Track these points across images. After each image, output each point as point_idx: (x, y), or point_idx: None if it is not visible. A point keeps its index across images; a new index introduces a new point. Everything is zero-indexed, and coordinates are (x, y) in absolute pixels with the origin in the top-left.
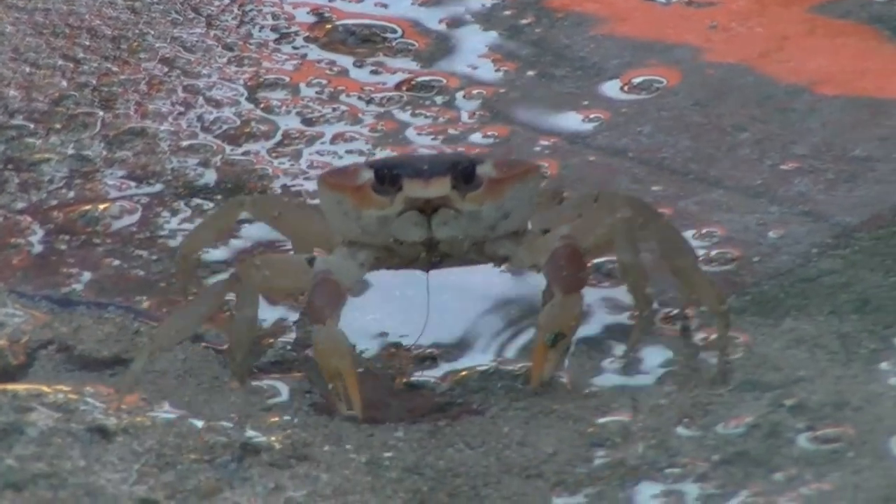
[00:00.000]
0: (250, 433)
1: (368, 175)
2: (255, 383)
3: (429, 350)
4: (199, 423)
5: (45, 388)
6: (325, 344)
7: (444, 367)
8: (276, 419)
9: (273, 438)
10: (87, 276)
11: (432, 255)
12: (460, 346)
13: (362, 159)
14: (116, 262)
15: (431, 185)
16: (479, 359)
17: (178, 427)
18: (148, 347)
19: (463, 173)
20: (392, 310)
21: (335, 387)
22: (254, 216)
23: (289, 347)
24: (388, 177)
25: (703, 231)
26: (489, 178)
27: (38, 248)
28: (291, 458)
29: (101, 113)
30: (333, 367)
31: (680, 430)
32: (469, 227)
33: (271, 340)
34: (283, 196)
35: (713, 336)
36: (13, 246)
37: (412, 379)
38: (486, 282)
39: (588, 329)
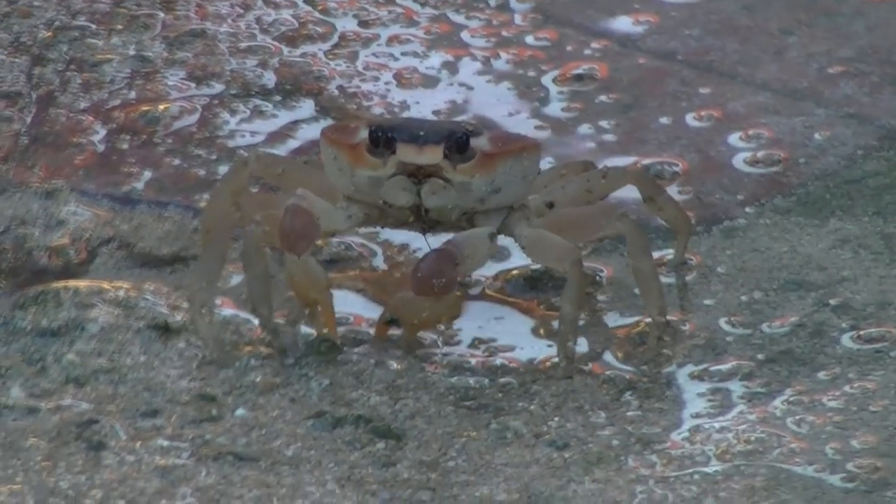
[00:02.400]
0: (306, 330)
1: (365, 134)
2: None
3: None
4: (257, 321)
5: (105, 285)
6: (302, 275)
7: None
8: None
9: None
10: (147, 174)
11: (422, 221)
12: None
13: (417, 62)
14: (176, 162)
15: (424, 152)
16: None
17: (235, 324)
18: (194, 312)
19: (457, 143)
20: None
21: (311, 312)
22: (258, 174)
23: (343, 247)
24: (382, 139)
25: (750, 133)
26: (483, 150)
27: (99, 148)
28: (347, 351)
29: (161, 14)
30: (311, 297)
31: (726, 328)
32: (458, 197)
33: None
34: (285, 155)
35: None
36: (75, 145)
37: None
38: None
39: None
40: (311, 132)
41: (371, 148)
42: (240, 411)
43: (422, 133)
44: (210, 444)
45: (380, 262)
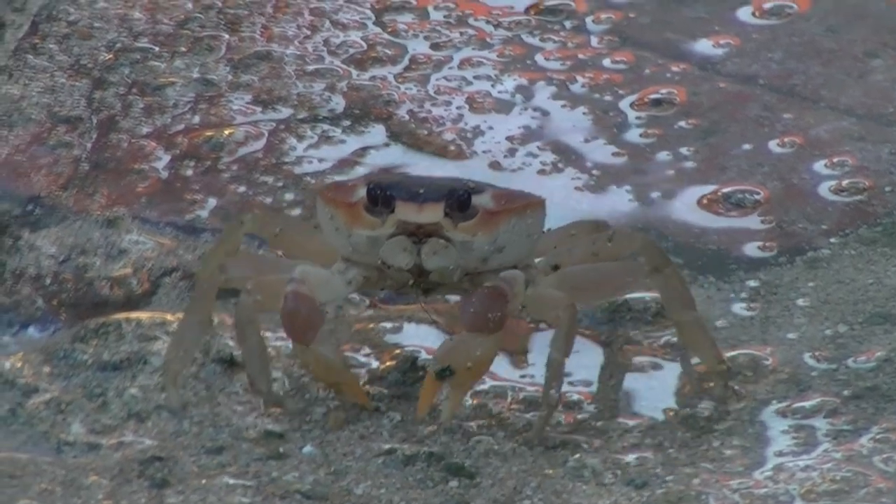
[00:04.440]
0: (375, 363)
1: (362, 193)
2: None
3: None
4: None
5: (168, 317)
6: (316, 364)
7: None
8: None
9: (390, 364)
10: (211, 202)
11: (422, 283)
12: None
13: (488, 85)
14: (241, 189)
15: (424, 211)
16: None
17: None
18: (167, 379)
19: (458, 201)
20: None
21: (338, 393)
22: (255, 233)
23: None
24: (380, 197)
25: (835, 160)
26: (485, 208)
27: (162, 174)
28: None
29: (226, 36)
30: (332, 382)
31: (810, 363)
32: (460, 257)
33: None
34: (283, 213)
35: (713, 387)
36: (137, 171)
37: None
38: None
39: (716, 259)
40: (380, 158)
41: (369, 207)
42: (307, 448)
43: (421, 191)
44: (277, 483)
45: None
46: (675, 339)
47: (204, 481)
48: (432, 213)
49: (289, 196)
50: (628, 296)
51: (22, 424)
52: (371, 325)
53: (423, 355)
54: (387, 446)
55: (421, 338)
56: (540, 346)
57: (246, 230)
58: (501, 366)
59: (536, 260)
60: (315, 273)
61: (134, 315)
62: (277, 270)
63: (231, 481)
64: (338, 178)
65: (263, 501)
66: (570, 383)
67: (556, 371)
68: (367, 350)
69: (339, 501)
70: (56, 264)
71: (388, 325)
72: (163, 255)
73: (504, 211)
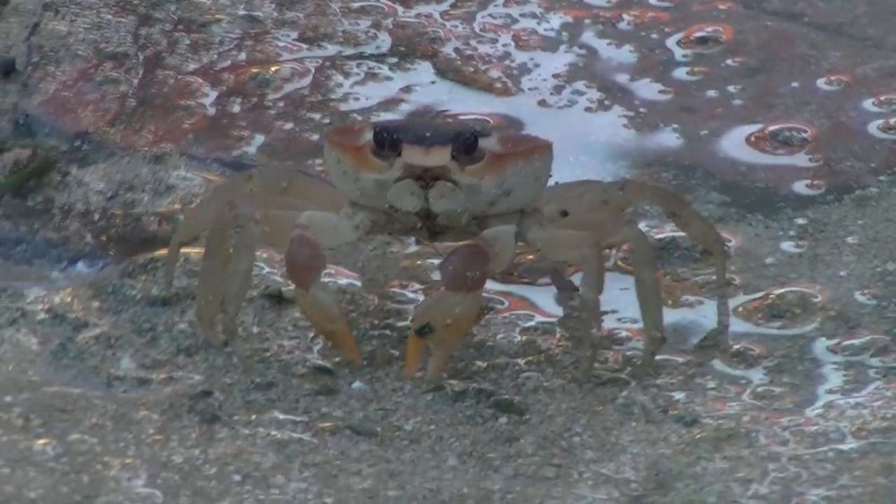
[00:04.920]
0: (417, 299)
1: (369, 136)
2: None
3: None
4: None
5: None
6: (313, 310)
7: None
8: None
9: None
10: (258, 138)
11: (430, 227)
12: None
13: (534, 22)
14: (288, 125)
15: (431, 154)
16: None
17: (351, 293)
18: (202, 325)
19: (464, 145)
20: (566, 176)
21: (331, 342)
22: (262, 188)
23: None
24: (387, 141)
25: (882, 98)
26: (492, 151)
27: (209, 111)
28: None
29: None
30: (326, 329)
31: (860, 300)
32: (467, 201)
33: None
34: (288, 167)
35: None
36: (184, 108)
37: None
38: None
39: (763, 197)
40: (426, 96)
41: (376, 150)
42: (357, 384)
43: (428, 134)
44: (327, 418)
45: None
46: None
47: (253, 416)
48: (439, 156)
49: None
50: (675, 233)
51: (72, 359)
52: (419, 262)
53: None
54: (435, 383)
55: None
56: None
57: (253, 185)
58: (549, 302)
59: (546, 206)
60: (322, 218)
61: (182, 251)
62: (286, 210)
63: (280, 416)
64: (385, 115)
65: (313, 437)
66: (619, 320)
67: (592, 310)
68: (415, 286)
69: (388, 437)
70: (104, 200)
71: (436, 261)
72: (210, 190)
73: (511, 154)
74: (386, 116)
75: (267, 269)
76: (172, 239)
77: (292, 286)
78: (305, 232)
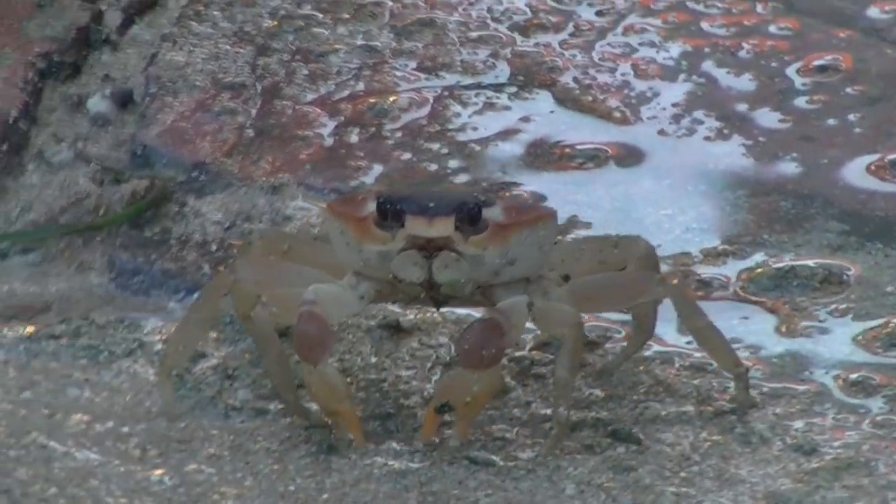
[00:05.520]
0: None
1: (372, 207)
2: None
3: (721, 247)
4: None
5: None
6: (319, 387)
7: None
8: None
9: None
10: (376, 168)
11: (434, 296)
12: (753, 244)
13: (653, 51)
14: (406, 155)
15: (434, 225)
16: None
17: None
18: (162, 372)
19: (468, 215)
20: (685, 206)
21: (335, 422)
22: (263, 251)
23: None
24: (390, 211)
25: None
26: (495, 222)
27: (327, 141)
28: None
29: (389, 2)
30: (331, 409)
31: None
32: (471, 271)
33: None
34: (289, 231)
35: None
36: (301, 138)
37: (703, 276)
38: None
39: (883, 226)
40: (544, 126)
41: (379, 221)
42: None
43: (431, 205)
44: (444, 448)
45: None
46: (842, 305)
47: (371, 447)
48: (443, 227)
49: (453, 163)
50: (794, 262)
51: (189, 390)
52: None
53: (590, 321)
54: (551, 411)
55: None
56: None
57: (256, 249)
58: (668, 332)
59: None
60: (328, 291)
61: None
62: (287, 278)
63: (398, 446)
64: (501, 144)
65: (430, 467)
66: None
67: (564, 388)
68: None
69: (506, 466)
70: (221, 230)
71: None
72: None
73: (515, 224)
74: (504, 147)
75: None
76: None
77: (301, 362)
78: (314, 308)
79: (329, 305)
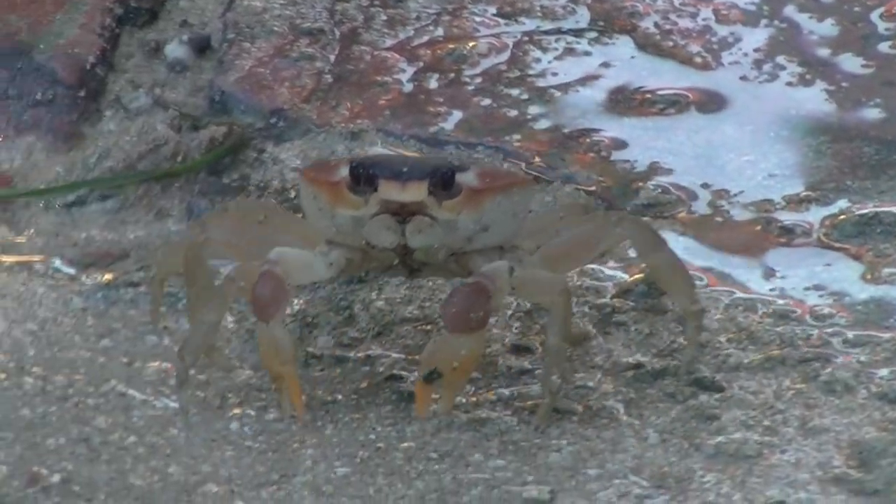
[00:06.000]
0: (622, 276)
1: (345, 172)
2: None
3: (804, 193)
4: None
5: None
6: (268, 346)
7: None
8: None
9: (637, 276)
10: (455, 114)
11: (408, 263)
12: (836, 191)
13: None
14: (485, 101)
15: (407, 189)
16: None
17: None
18: (182, 368)
19: (442, 179)
20: (767, 152)
21: (278, 387)
22: (238, 219)
23: (660, 190)
24: (363, 176)
25: None
26: (469, 186)
27: (405, 87)
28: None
29: None
30: (276, 370)
31: None
32: (445, 236)
33: (640, 184)
34: (265, 200)
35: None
36: (381, 84)
37: (786, 222)
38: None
39: None
40: (625, 71)
41: (352, 186)
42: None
43: (405, 169)
44: (526, 396)
45: (701, 207)
46: None
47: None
48: (416, 192)
49: (533, 109)
50: (878, 208)
51: None
52: None
53: None
54: (634, 360)
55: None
56: (801, 260)
57: (230, 216)
58: (752, 279)
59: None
60: (294, 254)
61: None
62: (257, 244)
63: (479, 395)
64: (582, 90)
65: (512, 415)
66: (821, 296)
67: (556, 356)
68: (613, 263)
69: (588, 415)
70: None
71: None
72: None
73: (489, 189)
74: (585, 92)
75: None
76: (152, 279)
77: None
78: (274, 268)
79: (292, 268)
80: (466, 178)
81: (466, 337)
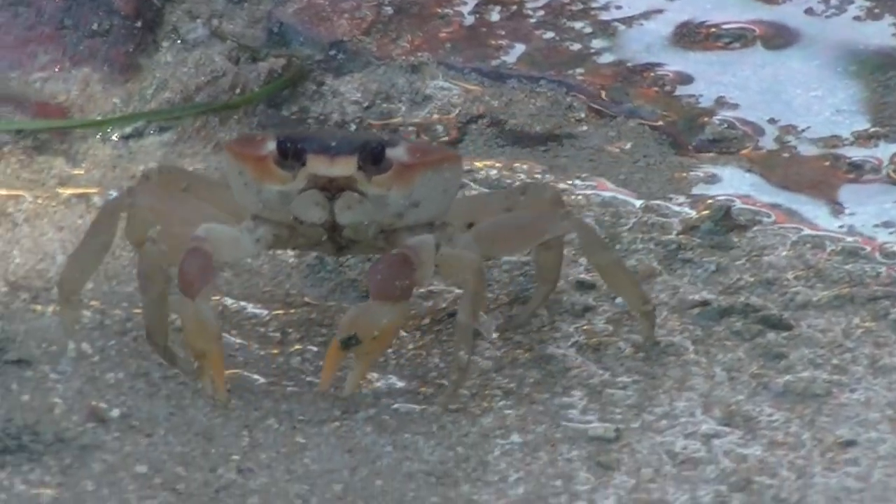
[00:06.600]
0: (689, 212)
1: (272, 146)
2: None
3: (873, 129)
4: (637, 203)
5: (476, 164)
6: (192, 323)
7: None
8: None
9: (704, 213)
10: (518, 48)
11: (336, 240)
12: None
13: None
14: (548, 35)
15: (336, 164)
16: None
17: (615, 206)
18: (60, 299)
19: (371, 154)
20: (835, 87)
21: (201, 366)
22: (161, 188)
23: (726, 125)
24: (291, 150)
25: None
26: (399, 162)
27: (466, 20)
28: (740, 235)
29: None
30: (199, 347)
31: None
32: (374, 212)
33: (706, 119)
34: (189, 170)
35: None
36: (441, 17)
37: (854, 158)
38: None
39: None
40: (690, 6)
41: (279, 160)
42: (620, 299)
43: (333, 143)
44: (591, 333)
45: (768, 142)
46: None
47: (515, 334)
48: (345, 166)
49: (597, 43)
50: None
51: (330, 272)
52: (684, 175)
53: (738, 205)
54: (700, 297)
55: (735, 187)
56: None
57: (153, 183)
58: (820, 215)
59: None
60: (221, 231)
61: None
62: (184, 212)
63: (543, 333)
64: (646, 24)
65: (577, 353)
66: (890, 233)
67: (464, 333)
68: (680, 199)
69: (655, 353)
70: (360, 110)
71: (701, 174)
72: (468, 101)
73: (419, 164)
74: (649, 26)
75: (524, 180)
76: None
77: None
78: (202, 244)
79: (220, 245)
80: (396, 154)
81: (390, 306)
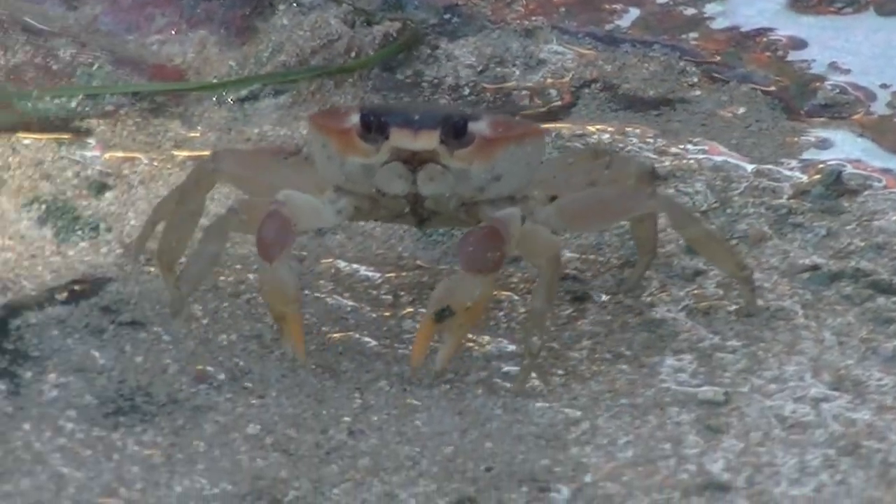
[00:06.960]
0: (800, 176)
1: (356, 119)
2: None
3: None
4: (749, 167)
5: (589, 128)
6: (271, 285)
7: None
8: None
9: (815, 177)
10: (632, 12)
11: (418, 212)
12: None
13: None
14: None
15: (419, 137)
16: None
17: (726, 170)
18: (162, 269)
19: (454, 128)
20: None
21: (281, 327)
22: (250, 156)
23: (837, 90)
24: (375, 124)
25: None
26: (482, 135)
27: None
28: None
29: None
30: (278, 310)
31: None
32: (456, 185)
33: (818, 84)
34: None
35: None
36: None
37: None
38: None
39: None
40: None
41: (363, 133)
42: None
43: (417, 117)
44: (700, 297)
45: (879, 107)
46: None
47: (624, 298)
48: (428, 140)
49: (710, 7)
50: None
51: (441, 234)
52: (795, 139)
53: (849, 169)
54: (810, 262)
55: (846, 152)
56: None
57: (242, 153)
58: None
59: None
60: (301, 198)
61: (554, 126)
62: (268, 178)
63: (653, 296)
64: None
65: (687, 317)
66: None
67: (538, 319)
68: (791, 164)
69: (765, 317)
70: (474, 74)
71: (812, 138)
72: (582, 65)
73: (501, 139)
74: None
75: (637, 144)
76: (149, 217)
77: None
78: (281, 208)
79: (299, 211)
80: (479, 128)
81: (482, 278)
